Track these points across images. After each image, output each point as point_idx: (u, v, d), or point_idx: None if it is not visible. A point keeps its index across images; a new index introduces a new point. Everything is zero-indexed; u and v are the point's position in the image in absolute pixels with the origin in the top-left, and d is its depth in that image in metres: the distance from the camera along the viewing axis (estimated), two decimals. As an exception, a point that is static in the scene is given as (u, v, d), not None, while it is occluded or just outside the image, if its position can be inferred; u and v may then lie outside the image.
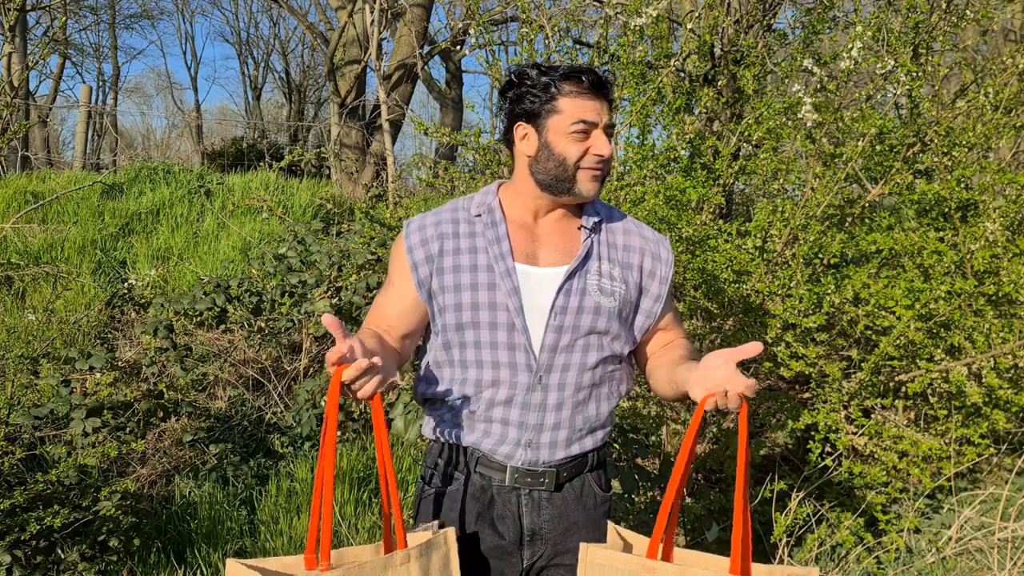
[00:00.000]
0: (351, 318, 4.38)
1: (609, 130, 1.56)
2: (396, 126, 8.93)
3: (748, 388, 1.35)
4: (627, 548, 1.51)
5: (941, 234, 3.34)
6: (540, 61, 3.42)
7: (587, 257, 1.59)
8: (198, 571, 2.96)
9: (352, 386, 1.32)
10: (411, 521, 1.67)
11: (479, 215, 1.61)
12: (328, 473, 1.30)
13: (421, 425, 2.54)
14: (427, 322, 1.64)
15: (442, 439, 1.61)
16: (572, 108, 1.52)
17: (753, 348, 1.38)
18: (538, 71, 1.55)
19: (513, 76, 1.59)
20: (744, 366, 3.46)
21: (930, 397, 3.33)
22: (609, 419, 1.63)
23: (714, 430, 3.50)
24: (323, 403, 4.04)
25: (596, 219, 1.62)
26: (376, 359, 1.31)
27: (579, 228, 1.62)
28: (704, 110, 3.95)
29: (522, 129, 1.58)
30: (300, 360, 4.83)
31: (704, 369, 1.41)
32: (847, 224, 3.43)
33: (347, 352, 1.31)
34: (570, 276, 1.55)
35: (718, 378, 1.39)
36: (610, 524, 1.55)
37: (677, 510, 1.43)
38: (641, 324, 1.65)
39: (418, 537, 1.44)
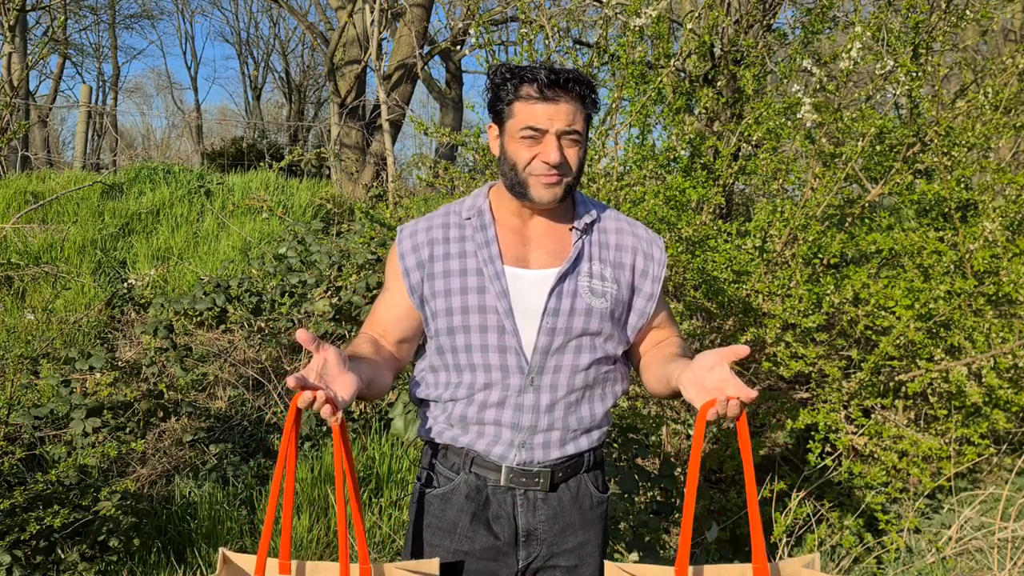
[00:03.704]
0: (351, 318, 4.39)
1: (569, 136, 1.50)
2: (396, 126, 8.93)
3: (748, 397, 1.30)
4: None
5: (941, 234, 3.34)
6: (540, 61, 3.43)
7: (578, 259, 1.58)
8: (198, 571, 2.96)
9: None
10: (407, 522, 1.67)
11: (469, 218, 1.60)
12: (287, 493, 1.38)
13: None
14: (423, 327, 1.64)
15: (437, 441, 1.61)
16: (523, 113, 1.50)
17: (741, 350, 1.35)
18: (504, 73, 1.53)
19: (488, 76, 1.59)
20: (743, 365, 3.46)
21: (930, 397, 3.33)
22: (604, 419, 1.62)
23: (714, 430, 3.50)
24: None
25: (588, 220, 1.61)
26: (321, 393, 1.28)
27: (570, 229, 1.61)
28: (704, 110, 3.95)
29: (493, 131, 1.60)
30: (300, 360, 4.83)
31: (698, 369, 1.39)
32: (847, 224, 3.43)
33: (304, 377, 1.30)
34: (561, 278, 1.55)
35: (714, 380, 1.36)
36: (608, 564, 1.45)
37: (690, 525, 1.39)
38: (635, 323, 1.64)
39: (381, 569, 1.41)
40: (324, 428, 4.00)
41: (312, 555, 3.07)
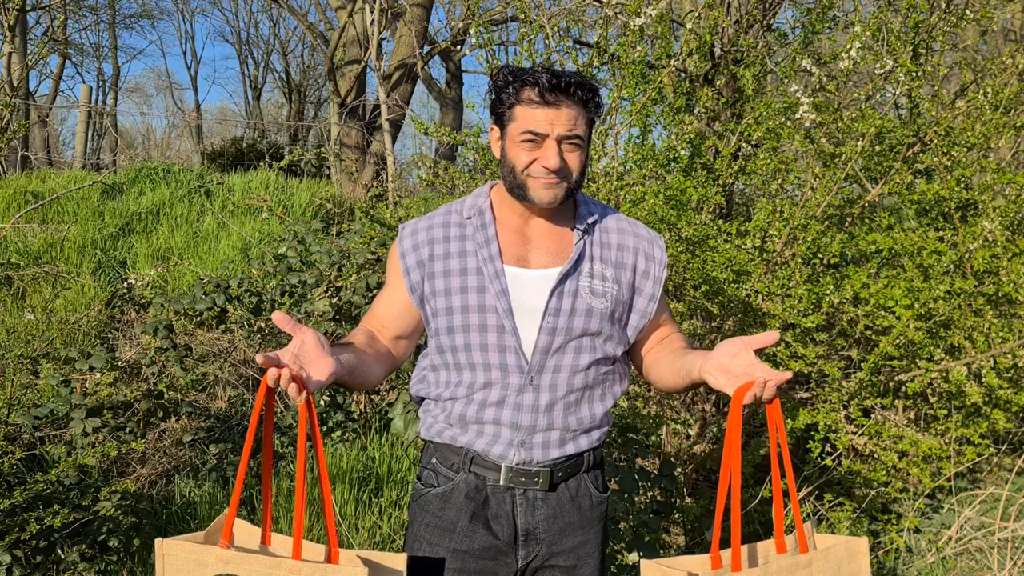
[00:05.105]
0: (351, 318, 4.38)
1: (570, 141, 1.50)
2: (396, 126, 8.93)
3: (781, 379, 1.32)
4: None
5: (941, 234, 3.34)
6: (540, 61, 3.42)
7: (579, 259, 1.58)
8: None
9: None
10: (407, 522, 1.67)
11: (470, 217, 1.61)
12: (266, 467, 1.36)
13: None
14: (423, 325, 1.65)
15: (437, 440, 1.62)
16: (523, 117, 1.50)
17: (770, 337, 1.37)
18: (507, 75, 1.53)
19: (491, 78, 1.59)
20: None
21: (930, 397, 3.33)
22: (604, 419, 1.63)
23: (714, 430, 3.50)
24: (322, 403, 4.04)
25: (590, 220, 1.62)
26: (286, 371, 1.26)
27: (572, 229, 1.61)
28: (704, 110, 3.95)
29: (495, 132, 1.60)
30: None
31: (723, 356, 1.40)
32: (847, 224, 3.42)
33: (275, 356, 1.29)
34: (563, 278, 1.55)
35: (742, 366, 1.37)
36: (645, 563, 1.42)
37: (739, 512, 1.37)
38: (636, 324, 1.64)
39: (348, 557, 1.38)
40: (323, 428, 4.00)
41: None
